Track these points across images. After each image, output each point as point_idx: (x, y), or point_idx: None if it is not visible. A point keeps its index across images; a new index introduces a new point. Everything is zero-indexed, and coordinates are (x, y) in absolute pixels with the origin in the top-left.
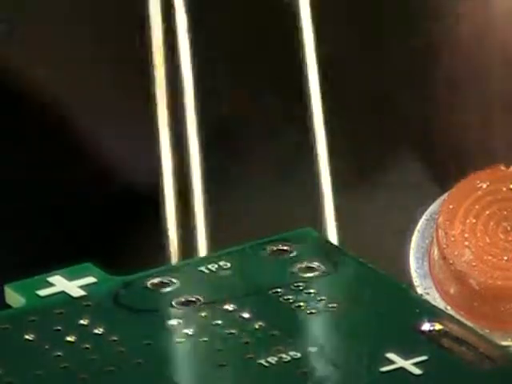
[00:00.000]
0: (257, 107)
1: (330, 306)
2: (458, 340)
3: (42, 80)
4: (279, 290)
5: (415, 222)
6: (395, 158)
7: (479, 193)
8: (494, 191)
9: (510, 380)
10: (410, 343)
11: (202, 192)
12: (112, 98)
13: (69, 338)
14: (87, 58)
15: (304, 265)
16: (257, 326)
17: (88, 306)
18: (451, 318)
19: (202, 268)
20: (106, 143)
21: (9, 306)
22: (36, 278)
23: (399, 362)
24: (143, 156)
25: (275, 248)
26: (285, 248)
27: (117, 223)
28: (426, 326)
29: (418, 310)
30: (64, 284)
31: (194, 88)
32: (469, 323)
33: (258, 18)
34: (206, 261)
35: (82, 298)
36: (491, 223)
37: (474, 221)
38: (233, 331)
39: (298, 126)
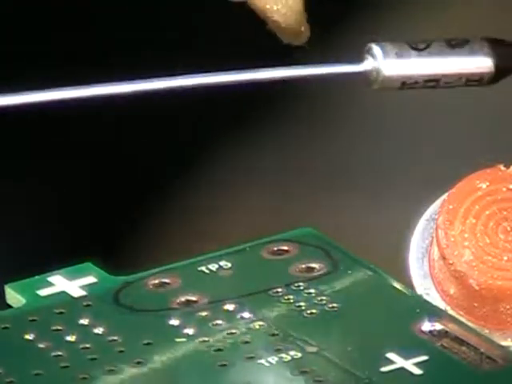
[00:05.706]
0: None
1: (330, 305)
2: (458, 340)
3: None
4: (279, 289)
5: (415, 222)
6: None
7: (479, 193)
8: (494, 191)
9: (511, 380)
10: (411, 343)
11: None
12: None
13: (69, 338)
14: None
15: (304, 265)
16: (257, 326)
17: (88, 305)
18: (451, 318)
19: (203, 268)
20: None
21: (9, 306)
22: (36, 277)
23: (399, 361)
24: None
25: (275, 248)
26: (285, 248)
27: (117, 223)
28: (426, 326)
29: (418, 310)
30: (64, 284)
31: None
32: (469, 323)
33: None
34: (206, 261)
35: (82, 297)
36: (491, 223)
37: (474, 221)
38: (233, 331)
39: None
